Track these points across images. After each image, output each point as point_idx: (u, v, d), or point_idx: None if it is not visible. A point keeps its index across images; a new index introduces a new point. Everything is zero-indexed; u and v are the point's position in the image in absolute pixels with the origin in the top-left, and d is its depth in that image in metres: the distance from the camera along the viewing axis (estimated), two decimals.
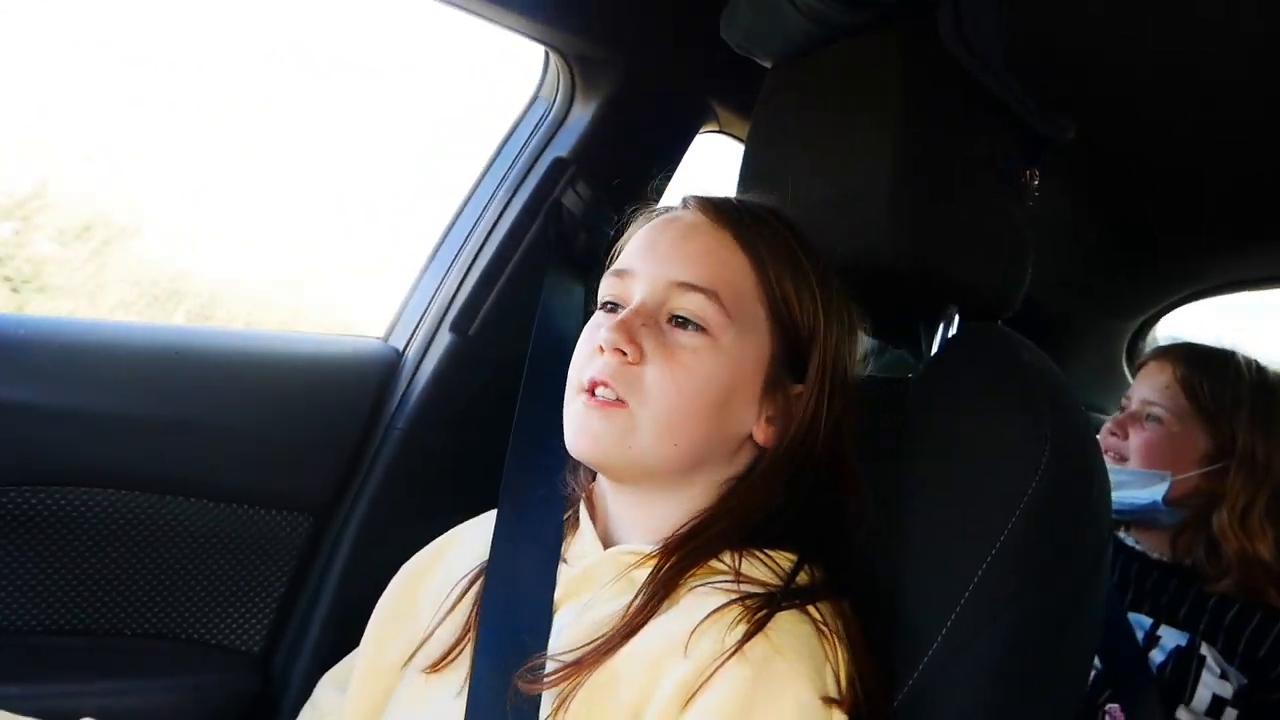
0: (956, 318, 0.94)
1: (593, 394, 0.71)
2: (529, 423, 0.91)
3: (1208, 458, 1.26)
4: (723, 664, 0.60)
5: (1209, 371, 1.29)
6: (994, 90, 0.87)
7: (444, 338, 1.23)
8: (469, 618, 0.76)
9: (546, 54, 1.25)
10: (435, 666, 0.75)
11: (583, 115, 1.25)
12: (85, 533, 1.08)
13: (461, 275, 1.24)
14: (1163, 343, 1.40)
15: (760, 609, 0.63)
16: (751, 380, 0.72)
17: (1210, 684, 1.19)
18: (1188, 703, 1.20)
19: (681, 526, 0.71)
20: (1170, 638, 1.24)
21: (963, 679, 0.67)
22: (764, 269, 0.73)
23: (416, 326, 1.28)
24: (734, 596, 0.65)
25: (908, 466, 0.80)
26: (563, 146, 1.25)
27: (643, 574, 0.69)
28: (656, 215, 0.79)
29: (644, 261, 0.74)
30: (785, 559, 0.70)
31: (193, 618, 1.15)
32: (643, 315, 0.71)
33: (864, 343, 0.82)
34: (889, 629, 0.72)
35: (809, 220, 0.91)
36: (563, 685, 0.64)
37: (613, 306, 0.75)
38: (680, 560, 0.68)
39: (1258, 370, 1.30)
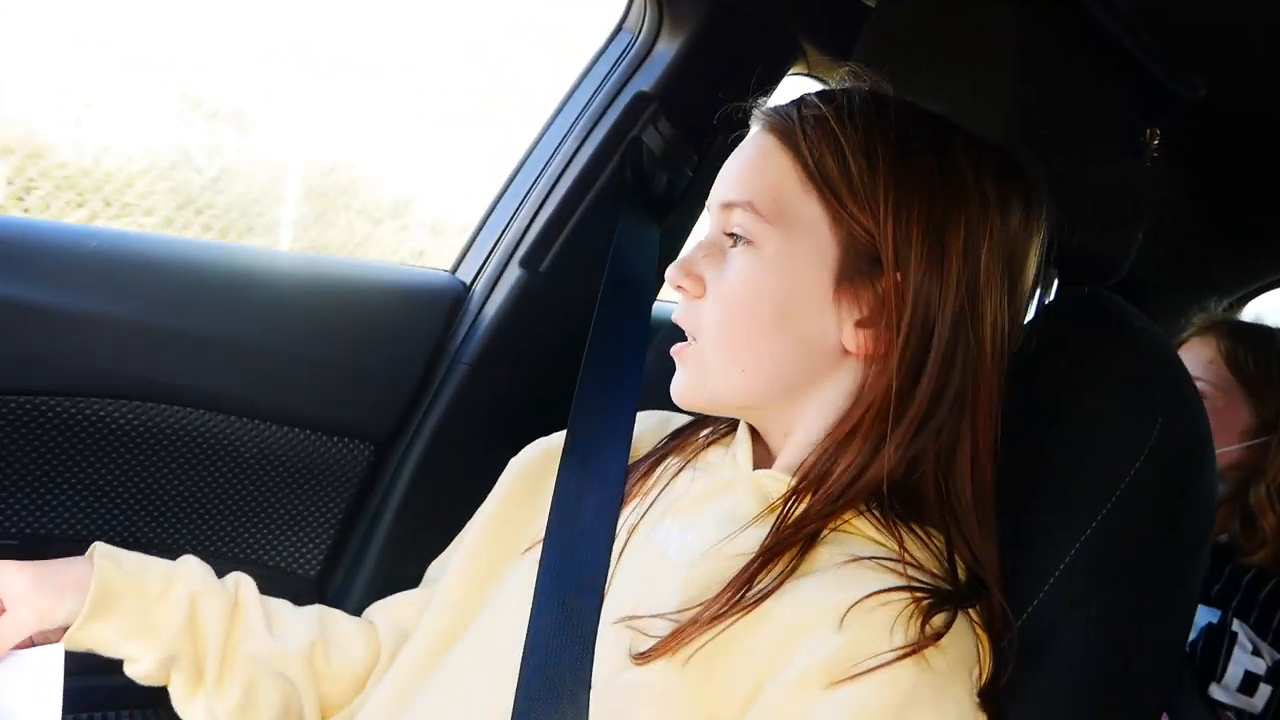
0: (1056, 282, 0.89)
1: (681, 337, 0.68)
2: (599, 361, 0.88)
3: (1250, 431, 1.28)
4: (890, 663, 0.54)
5: (1253, 345, 1.30)
6: (1120, 40, 0.81)
7: (513, 273, 1.20)
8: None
9: None
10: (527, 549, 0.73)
11: (668, 49, 1.20)
12: (149, 448, 1.09)
13: (534, 210, 1.21)
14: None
15: (935, 610, 0.57)
16: (817, 281, 0.64)
17: (1243, 661, 1.20)
18: (1219, 680, 1.21)
19: (810, 454, 0.65)
20: (1202, 615, 1.24)
21: (1050, 663, 0.63)
22: (805, 159, 0.64)
23: (486, 261, 1.25)
24: (902, 582, 0.58)
25: (1016, 430, 0.76)
26: (646, 81, 1.21)
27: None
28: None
29: (716, 188, 0.70)
30: (938, 538, 0.63)
31: (251, 539, 1.16)
32: (705, 247, 0.68)
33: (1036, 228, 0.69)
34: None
35: None
36: (672, 644, 0.58)
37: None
38: (816, 502, 0.62)
39: None
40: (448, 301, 1.23)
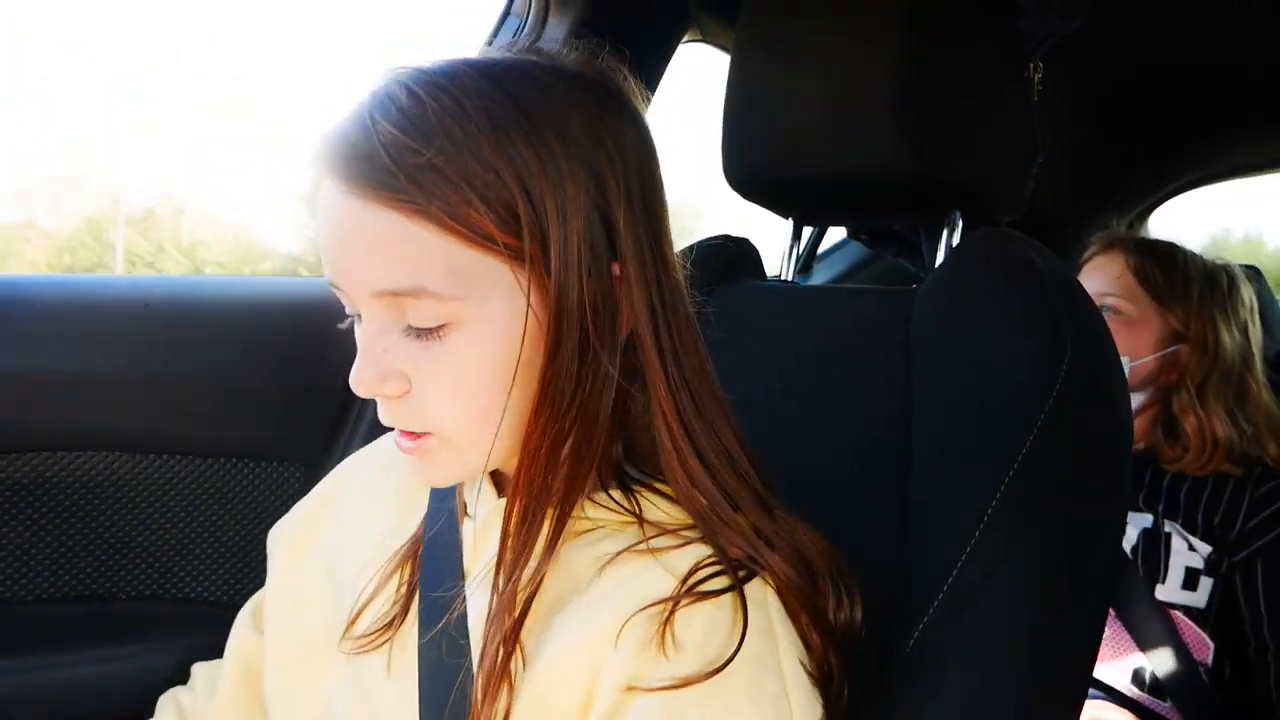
0: (960, 223, 0.90)
1: (401, 435, 0.59)
2: None
3: (1163, 341, 1.32)
4: (686, 679, 0.51)
5: (1158, 258, 1.35)
6: None
7: None
8: (399, 598, 0.66)
9: None
10: (363, 646, 0.66)
11: (557, 29, 1.18)
12: (75, 498, 1.05)
13: None
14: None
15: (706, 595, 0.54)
16: (529, 323, 0.56)
17: (1180, 558, 1.27)
18: (1163, 581, 1.27)
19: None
20: (1134, 521, 1.30)
21: (990, 605, 0.64)
22: (438, 217, 0.52)
23: None
24: (664, 583, 0.55)
25: (916, 380, 0.77)
26: None
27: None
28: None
29: (335, 272, 0.57)
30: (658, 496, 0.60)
31: (189, 577, 1.13)
32: (379, 339, 0.56)
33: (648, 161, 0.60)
34: (897, 563, 0.69)
35: (804, 131, 0.87)
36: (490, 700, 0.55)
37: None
38: (523, 495, 0.57)
39: (1196, 257, 1.37)
40: None
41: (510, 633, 0.55)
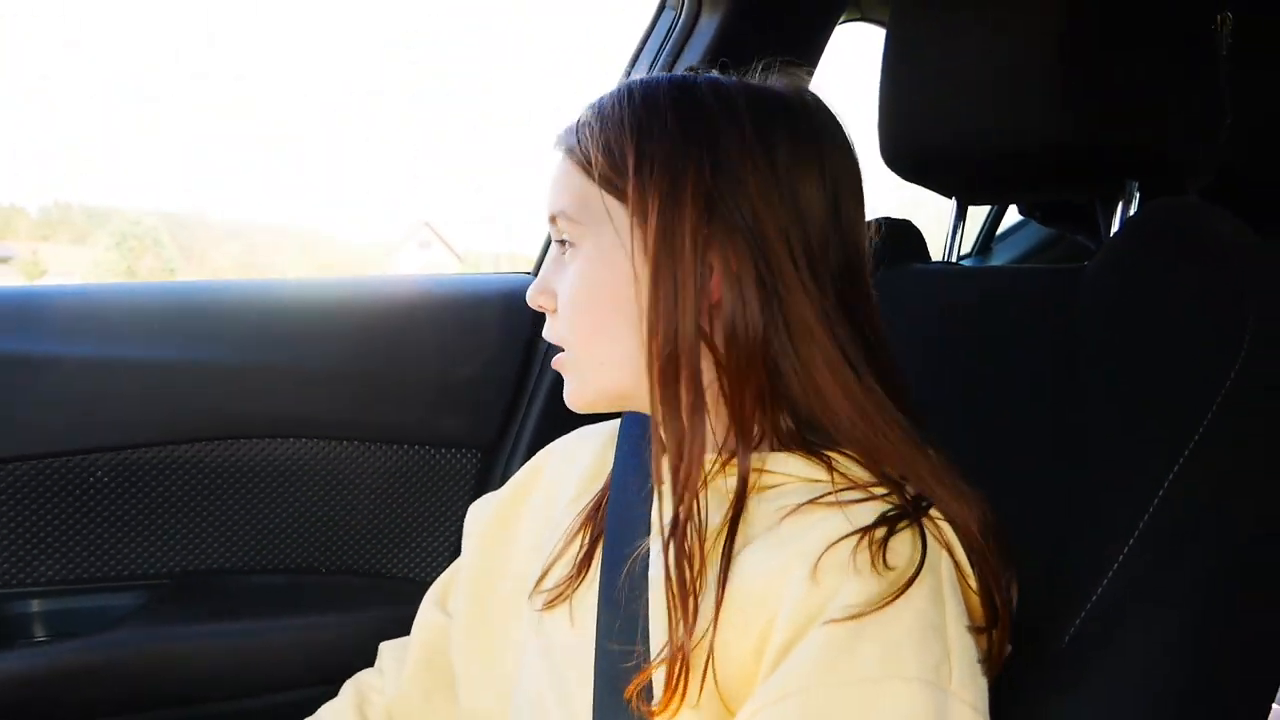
0: (1137, 194, 0.84)
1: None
2: None
3: None
4: (868, 607, 0.54)
5: None
6: None
7: None
8: (582, 549, 0.73)
9: None
10: (551, 603, 0.72)
11: (711, 19, 1.19)
12: (278, 480, 1.16)
13: None
14: None
15: (891, 534, 0.57)
16: (630, 262, 0.64)
17: None
18: None
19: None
20: None
21: (1156, 604, 0.59)
22: (581, 160, 0.66)
23: None
24: (845, 520, 0.58)
25: (1082, 362, 0.73)
26: (694, 55, 1.20)
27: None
28: None
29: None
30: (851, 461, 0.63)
31: (380, 552, 1.22)
32: (551, 262, 0.70)
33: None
34: (1052, 554, 0.65)
35: (966, 102, 0.84)
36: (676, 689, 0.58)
37: None
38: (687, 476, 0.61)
39: None
40: None
41: (692, 578, 0.59)
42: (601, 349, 0.66)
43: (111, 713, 1.06)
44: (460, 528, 1.22)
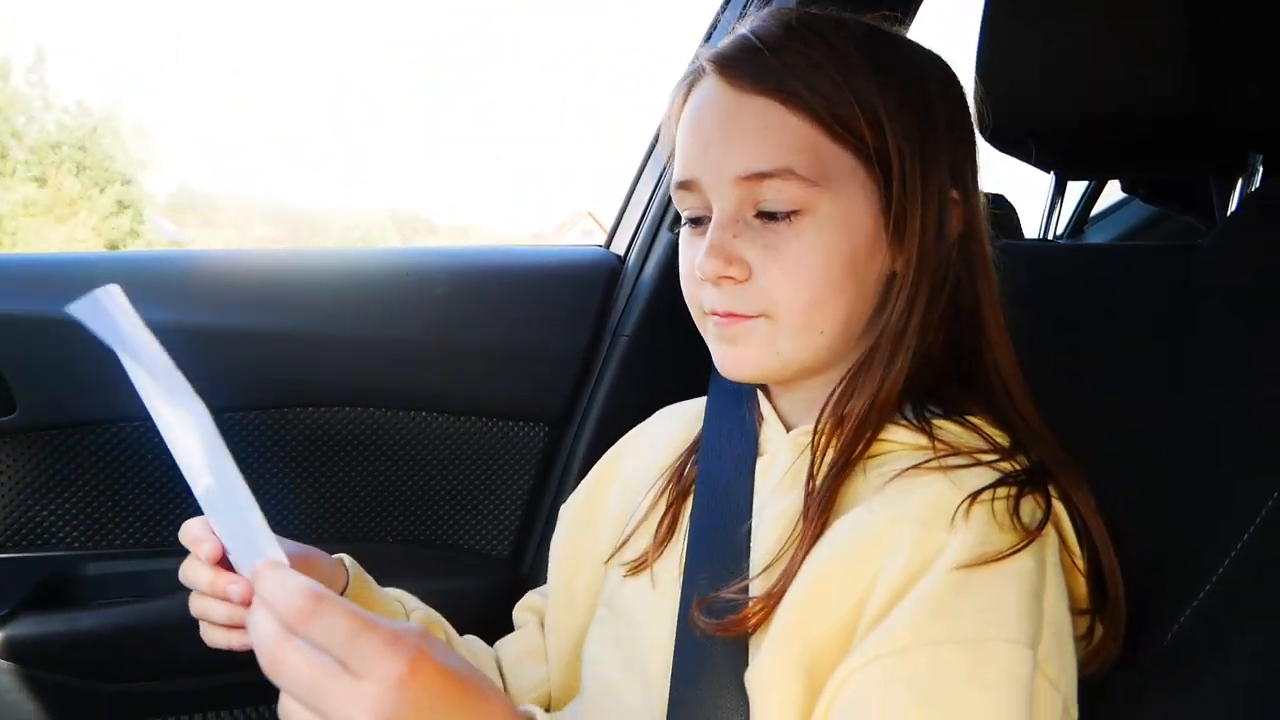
0: (1260, 170, 0.78)
1: (724, 316, 0.64)
2: None
3: None
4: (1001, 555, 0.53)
5: None
6: None
7: (664, 239, 1.19)
8: (665, 516, 0.72)
9: None
10: (636, 569, 0.72)
11: None
12: (346, 449, 1.16)
13: None
14: None
15: (1022, 493, 0.56)
16: (873, 226, 0.62)
17: None
18: None
19: (833, 393, 0.64)
20: None
21: (1270, 600, 0.55)
22: (815, 108, 0.60)
23: (636, 231, 1.25)
24: (948, 483, 0.57)
25: (1196, 347, 0.67)
26: None
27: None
28: (678, 91, 0.67)
29: (700, 163, 0.64)
30: (979, 418, 0.63)
31: (447, 525, 1.22)
32: (729, 226, 0.63)
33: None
34: (1155, 547, 0.61)
35: (1068, 68, 0.78)
36: (762, 613, 0.58)
37: (696, 219, 0.67)
38: (844, 438, 0.61)
39: None
40: (604, 276, 1.23)
41: (800, 545, 0.59)
42: (823, 319, 0.62)
43: (186, 672, 1.08)
44: (528, 502, 1.22)
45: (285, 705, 0.44)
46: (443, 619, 0.83)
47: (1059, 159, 0.93)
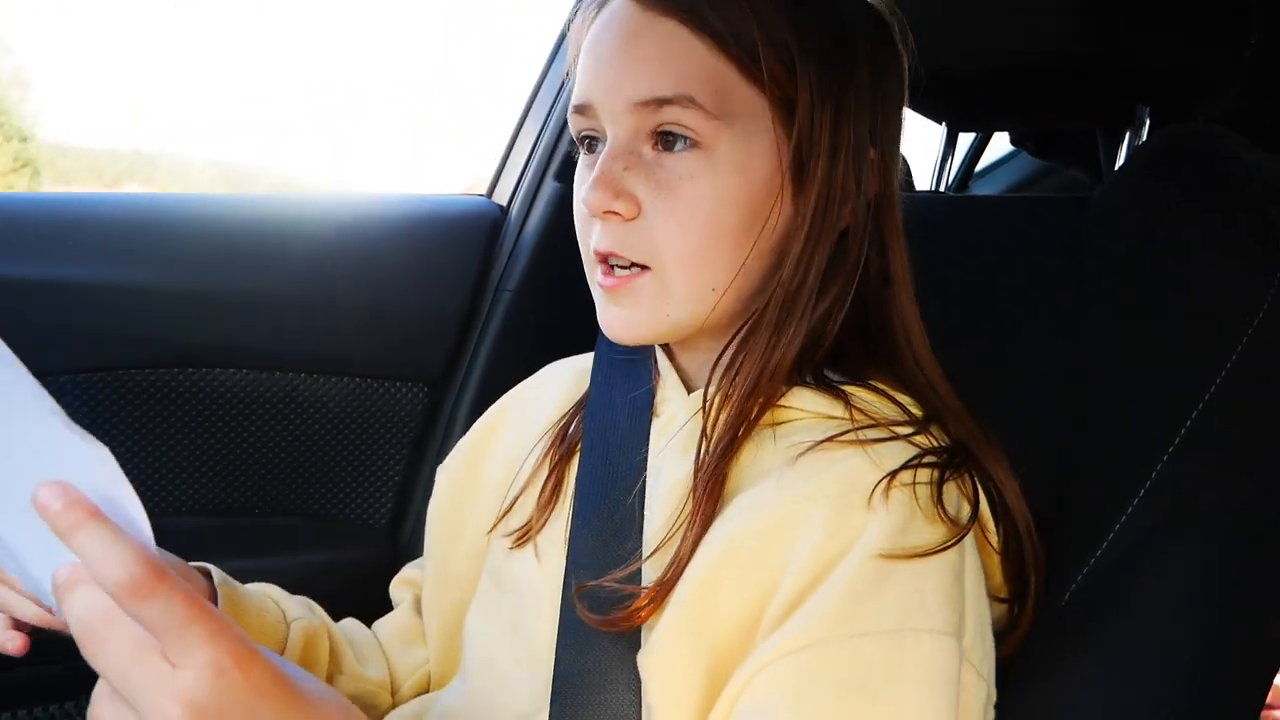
0: (1148, 121, 0.78)
1: (610, 268, 0.59)
2: None
3: None
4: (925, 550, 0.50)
5: None
6: None
7: (548, 188, 1.14)
8: (549, 479, 0.67)
9: None
10: (520, 540, 0.67)
11: None
12: (203, 414, 1.07)
13: (561, 123, 1.14)
14: None
15: (946, 476, 0.53)
16: (773, 176, 0.58)
17: None
18: None
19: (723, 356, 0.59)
20: None
21: (1164, 559, 0.55)
22: (722, 36, 0.56)
23: (520, 180, 1.19)
24: (868, 463, 0.53)
25: (1087, 301, 0.67)
26: None
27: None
28: (587, 10, 0.62)
29: (598, 86, 0.59)
30: (886, 386, 0.59)
31: (320, 494, 1.14)
32: (621, 156, 0.58)
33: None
34: (1051, 504, 0.60)
35: (959, 14, 0.76)
36: (652, 605, 0.54)
37: (591, 141, 0.62)
38: (735, 404, 0.57)
39: None
40: (486, 227, 1.17)
41: (698, 510, 0.55)
42: (716, 273, 0.58)
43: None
44: (406, 468, 1.16)
45: (97, 701, 0.38)
46: (315, 605, 0.76)
47: (949, 110, 0.91)
